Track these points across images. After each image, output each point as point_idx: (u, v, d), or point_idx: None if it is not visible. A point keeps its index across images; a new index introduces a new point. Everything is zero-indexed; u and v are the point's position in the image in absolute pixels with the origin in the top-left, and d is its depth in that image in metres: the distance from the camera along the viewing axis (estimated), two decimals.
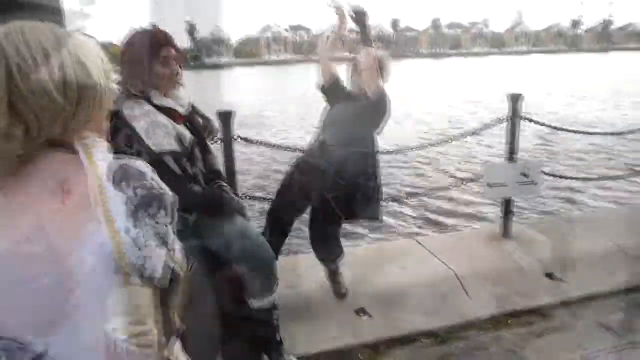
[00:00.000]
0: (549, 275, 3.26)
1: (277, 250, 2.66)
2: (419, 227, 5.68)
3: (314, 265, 3.01)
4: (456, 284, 3.12)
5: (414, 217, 5.96)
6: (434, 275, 3.20)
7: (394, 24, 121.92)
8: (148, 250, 0.75)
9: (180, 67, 1.82)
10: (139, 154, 1.63)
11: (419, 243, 3.68)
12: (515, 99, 3.54)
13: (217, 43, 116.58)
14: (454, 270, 3.21)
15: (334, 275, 2.93)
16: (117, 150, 0.87)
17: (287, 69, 61.94)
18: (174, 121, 1.79)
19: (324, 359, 2.51)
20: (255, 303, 1.95)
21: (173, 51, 1.79)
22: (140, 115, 1.68)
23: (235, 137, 3.02)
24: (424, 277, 3.18)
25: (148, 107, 1.72)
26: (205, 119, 2.00)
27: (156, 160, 1.65)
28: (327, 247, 2.89)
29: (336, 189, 2.60)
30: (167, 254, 0.78)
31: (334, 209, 2.60)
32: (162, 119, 1.73)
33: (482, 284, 3.13)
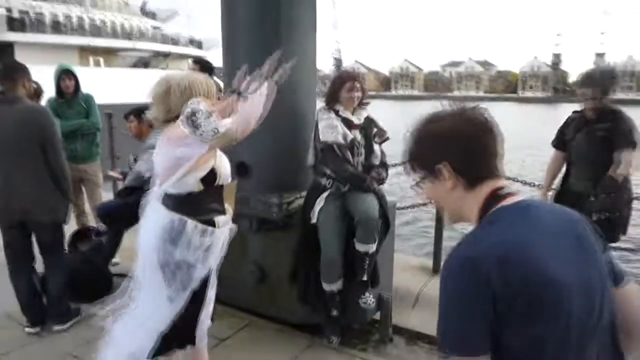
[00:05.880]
0: None
1: None
2: None
3: None
4: None
5: None
6: None
7: None
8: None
9: (364, 93, 2.91)
10: (317, 140, 2.84)
11: None
12: None
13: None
14: None
15: None
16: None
17: None
18: (350, 126, 2.85)
19: None
20: (357, 246, 2.81)
21: (357, 83, 2.87)
22: (325, 119, 2.84)
23: None
24: None
25: (332, 115, 2.85)
26: (380, 129, 2.98)
27: (326, 146, 2.79)
28: None
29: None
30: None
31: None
32: (337, 122, 2.81)
33: None
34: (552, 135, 3.49)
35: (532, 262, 0.94)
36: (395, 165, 4.14)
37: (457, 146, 1.06)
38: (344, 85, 2.88)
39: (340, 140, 2.80)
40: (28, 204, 3.00)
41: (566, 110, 3.93)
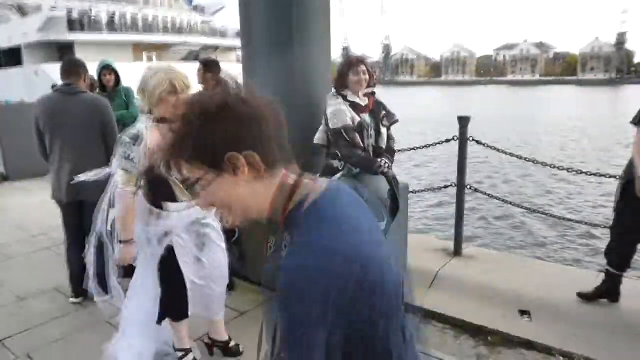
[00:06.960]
0: None
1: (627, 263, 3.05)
2: None
3: None
4: None
5: None
6: None
7: None
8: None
9: (371, 76, 2.99)
10: (328, 126, 2.94)
11: None
12: None
13: None
14: None
15: None
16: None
17: None
18: (359, 110, 2.94)
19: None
20: None
21: (362, 66, 2.95)
22: (333, 104, 2.95)
23: (470, 138, 3.77)
24: None
25: (339, 100, 2.96)
26: (387, 112, 3.07)
27: (335, 132, 2.90)
28: None
29: None
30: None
31: None
32: (344, 107, 2.92)
33: None
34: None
35: (385, 274, 0.83)
36: (419, 147, 4.22)
37: (253, 127, 0.88)
38: (351, 69, 2.98)
39: (349, 123, 2.90)
40: (89, 185, 3.30)
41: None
